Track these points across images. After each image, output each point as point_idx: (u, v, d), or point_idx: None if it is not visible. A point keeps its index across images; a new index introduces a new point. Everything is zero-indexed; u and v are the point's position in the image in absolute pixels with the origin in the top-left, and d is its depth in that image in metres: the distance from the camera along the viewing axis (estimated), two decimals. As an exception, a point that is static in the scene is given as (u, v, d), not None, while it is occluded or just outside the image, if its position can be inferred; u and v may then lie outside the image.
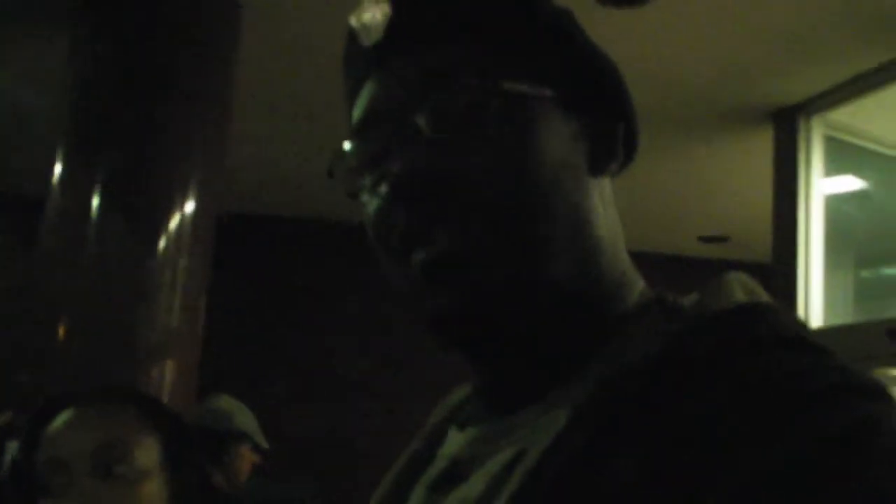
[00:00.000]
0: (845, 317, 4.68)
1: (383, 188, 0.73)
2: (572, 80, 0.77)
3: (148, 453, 1.41)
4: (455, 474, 0.76)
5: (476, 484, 0.72)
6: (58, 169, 3.72)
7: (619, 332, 0.74)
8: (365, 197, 0.77)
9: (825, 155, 4.70)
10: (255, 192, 6.74)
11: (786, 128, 4.75)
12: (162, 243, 3.64)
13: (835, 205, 4.76)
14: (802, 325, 0.72)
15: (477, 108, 0.72)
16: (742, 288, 0.75)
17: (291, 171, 6.32)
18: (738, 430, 0.58)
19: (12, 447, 2.38)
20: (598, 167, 0.78)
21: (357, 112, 0.78)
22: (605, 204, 0.79)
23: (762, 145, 4.91)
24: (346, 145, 0.78)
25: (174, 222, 3.67)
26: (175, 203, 3.69)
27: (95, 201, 3.59)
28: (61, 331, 3.53)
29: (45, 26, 4.25)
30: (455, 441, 0.80)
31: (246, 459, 3.77)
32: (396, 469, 0.87)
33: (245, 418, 3.79)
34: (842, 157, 4.79)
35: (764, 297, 0.74)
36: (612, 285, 0.77)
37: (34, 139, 4.75)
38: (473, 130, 0.72)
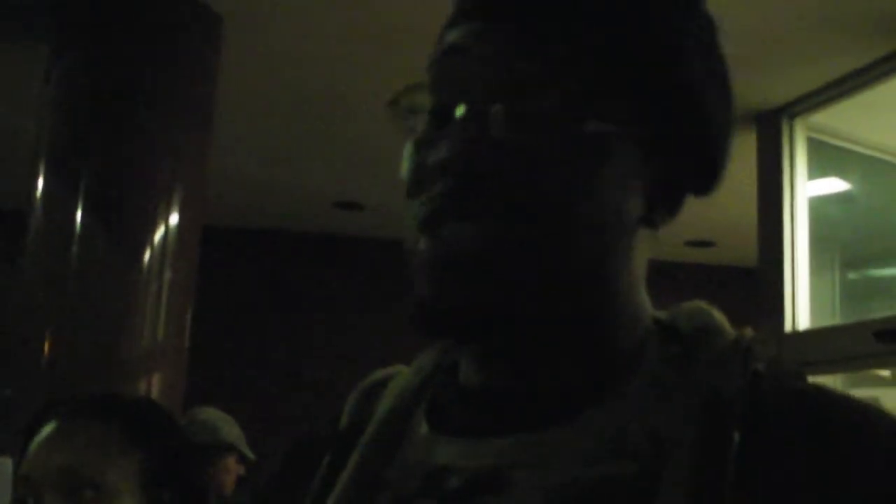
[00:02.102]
0: (832, 319, 4.69)
1: (432, 157, 0.70)
2: (669, 119, 0.73)
3: (122, 473, 1.37)
4: (483, 487, 0.70)
5: (524, 499, 0.68)
6: (40, 184, 3.70)
7: (639, 355, 0.73)
8: (408, 143, 0.74)
9: (809, 157, 4.71)
10: (237, 205, 6.72)
11: (769, 130, 4.76)
12: (146, 257, 3.63)
13: (819, 207, 4.77)
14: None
15: (553, 126, 0.68)
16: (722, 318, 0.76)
17: (275, 183, 6.31)
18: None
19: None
20: (651, 221, 0.74)
21: (440, 55, 0.74)
22: (642, 252, 0.76)
23: (745, 148, 4.91)
24: (415, 88, 0.74)
25: (158, 235, 3.66)
26: (158, 216, 3.67)
27: (78, 216, 3.57)
28: (46, 345, 3.52)
29: (24, 41, 4.23)
30: (450, 449, 0.74)
31: (231, 471, 3.76)
32: (347, 480, 0.79)
33: (231, 429, 3.78)
34: (825, 159, 4.81)
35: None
36: (623, 319, 0.74)
37: (15, 155, 4.72)
38: (542, 148, 0.68)
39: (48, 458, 1.36)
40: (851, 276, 5.04)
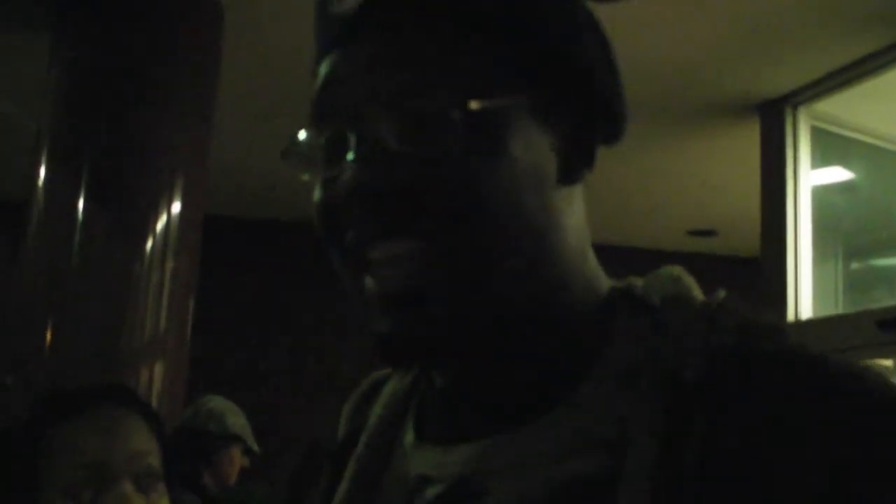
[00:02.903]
0: (835, 308, 4.69)
1: (339, 189, 0.69)
2: (555, 80, 0.71)
3: (159, 462, 1.41)
4: (460, 496, 0.70)
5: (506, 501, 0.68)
6: (42, 173, 3.70)
7: (601, 338, 0.72)
8: (317, 187, 0.73)
9: (812, 146, 4.70)
10: (238, 195, 6.72)
11: (772, 119, 4.75)
12: (148, 246, 3.62)
13: (823, 196, 4.76)
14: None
15: (444, 123, 0.67)
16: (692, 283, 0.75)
17: (276, 173, 6.29)
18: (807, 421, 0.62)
19: None
20: (570, 177, 0.73)
21: (317, 91, 0.73)
22: (574, 212, 0.74)
23: (749, 137, 4.91)
24: (302, 133, 0.73)
25: (160, 225, 3.66)
26: (160, 206, 3.67)
27: (80, 205, 3.57)
28: (47, 335, 3.52)
29: (25, 32, 4.22)
30: (430, 457, 0.74)
31: (235, 462, 3.76)
32: (343, 493, 0.79)
33: (237, 420, 3.78)
34: (829, 148, 4.80)
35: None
36: (579, 294, 0.73)
37: (16, 145, 4.71)
38: (437, 146, 0.67)
39: (124, 445, 1.37)
40: (854, 265, 5.03)
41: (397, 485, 0.76)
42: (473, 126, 0.67)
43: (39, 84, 3.86)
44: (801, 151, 4.66)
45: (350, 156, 0.68)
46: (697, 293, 0.73)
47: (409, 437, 0.78)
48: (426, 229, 0.67)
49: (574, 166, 0.73)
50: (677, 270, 0.75)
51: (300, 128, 0.74)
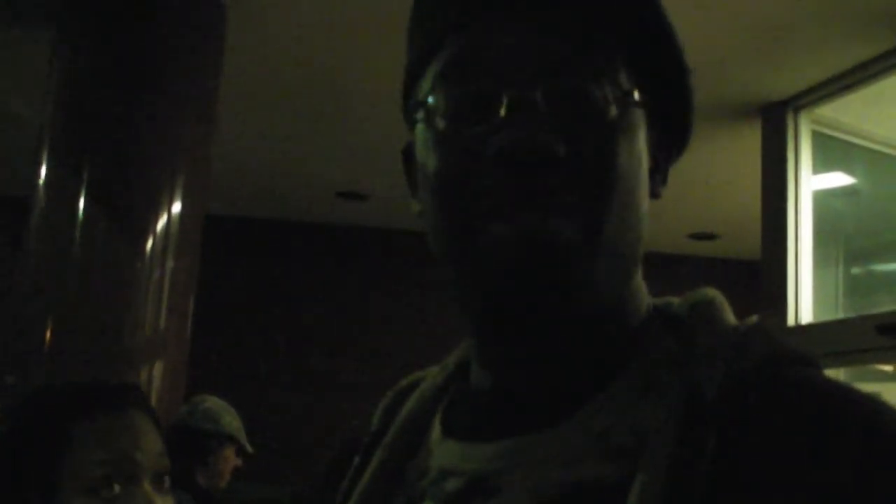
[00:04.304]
0: (835, 313, 4.69)
1: (489, 147, 0.68)
2: (664, 92, 0.75)
3: (168, 462, 1.43)
4: (476, 491, 0.71)
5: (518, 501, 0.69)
6: (43, 171, 3.70)
7: (633, 352, 0.73)
8: (442, 142, 0.72)
9: (813, 151, 4.70)
10: (240, 194, 6.72)
11: (774, 123, 4.75)
12: (149, 245, 3.62)
13: (824, 201, 4.76)
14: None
15: (601, 105, 0.69)
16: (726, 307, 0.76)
17: (278, 172, 6.31)
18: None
19: None
20: (654, 192, 0.77)
21: (460, 50, 0.72)
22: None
23: (750, 141, 4.91)
24: (431, 85, 0.73)
25: (161, 223, 3.66)
26: (161, 204, 3.67)
27: (81, 203, 3.57)
28: (48, 333, 3.52)
29: (28, 29, 4.22)
30: (453, 452, 0.76)
31: (229, 462, 3.76)
32: (368, 480, 0.82)
33: (232, 420, 3.78)
34: (830, 152, 4.80)
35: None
36: (633, 304, 0.76)
37: (19, 141, 4.72)
38: (594, 124, 0.69)
39: (148, 444, 1.39)
40: (855, 270, 5.03)
41: (419, 476, 0.78)
42: (623, 115, 0.70)
43: (40, 83, 3.86)
44: (803, 156, 4.66)
45: (503, 111, 0.68)
46: (729, 316, 0.74)
47: (435, 432, 0.80)
48: (578, 206, 0.68)
49: (657, 183, 0.77)
50: (712, 293, 0.76)
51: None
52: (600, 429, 0.69)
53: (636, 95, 0.72)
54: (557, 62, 0.69)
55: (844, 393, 0.66)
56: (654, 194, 0.76)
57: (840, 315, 4.66)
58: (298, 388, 7.19)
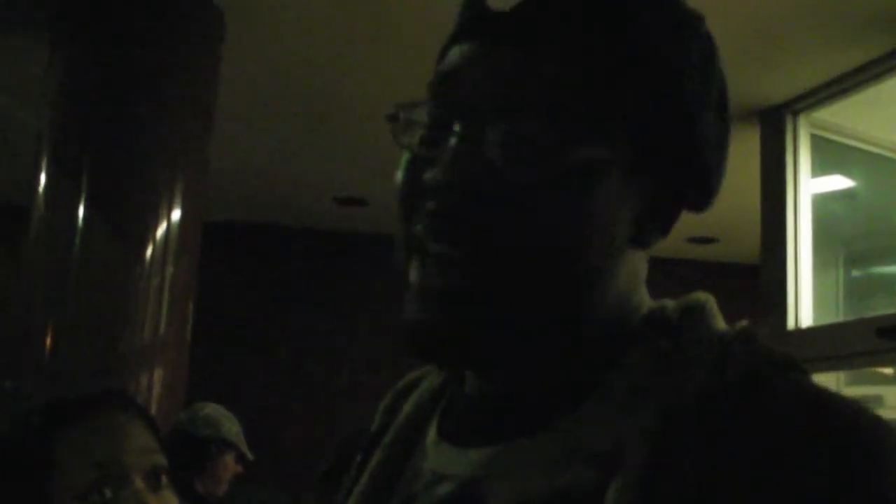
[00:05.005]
0: (835, 316, 4.68)
1: (428, 179, 0.70)
2: (659, 140, 0.72)
3: (164, 460, 1.42)
4: (464, 496, 0.73)
5: None
6: (42, 178, 3.70)
7: (618, 357, 0.73)
8: (405, 157, 0.74)
9: (812, 154, 4.70)
10: (239, 200, 6.72)
11: (772, 127, 4.75)
12: (148, 251, 3.62)
13: (822, 204, 4.76)
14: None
15: (544, 156, 0.68)
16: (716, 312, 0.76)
17: (276, 178, 6.30)
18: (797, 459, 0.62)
19: None
20: (640, 242, 0.74)
21: (444, 69, 0.73)
22: (629, 260, 0.75)
23: (749, 145, 4.91)
24: (412, 105, 0.74)
25: (160, 229, 3.66)
26: (160, 210, 3.67)
27: (80, 209, 3.57)
28: (48, 339, 3.51)
29: (26, 35, 4.22)
30: (445, 456, 0.77)
31: (229, 468, 3.76)
32: (366, 480, 0.83)
33: (232, 426, 3.78)
34: (829, 156, 4.79)
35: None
36: (612, 326, 0.75)
37: (17, 148, 4.72)
38: (529, 174, 0.68)
39: (131, 444, 1.38)
40: (854, 273, 5.03)
41: (414, 478, 0.79)
42: (568, 170, 0.68)
43: (39, 87, 3.86)
44: (802, 159, 4.66)
45: (452, 142, 0.70)
46: (718, 322, 0.74)
47: (431, 434, 0.81)
48: (484, 248, 0.69)
49: (647, 231, 0.74)
50: (703, 297, 0.76)
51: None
52: (581, 436, 0.69)
53: (597, 148, 0.69)
54: (519, 104, 0.69)
55: (824, 399, 0.66)
56: (639, 244, 0.74)
57: (840, 318, 4.66)
58: (298, 393, 7.19)
